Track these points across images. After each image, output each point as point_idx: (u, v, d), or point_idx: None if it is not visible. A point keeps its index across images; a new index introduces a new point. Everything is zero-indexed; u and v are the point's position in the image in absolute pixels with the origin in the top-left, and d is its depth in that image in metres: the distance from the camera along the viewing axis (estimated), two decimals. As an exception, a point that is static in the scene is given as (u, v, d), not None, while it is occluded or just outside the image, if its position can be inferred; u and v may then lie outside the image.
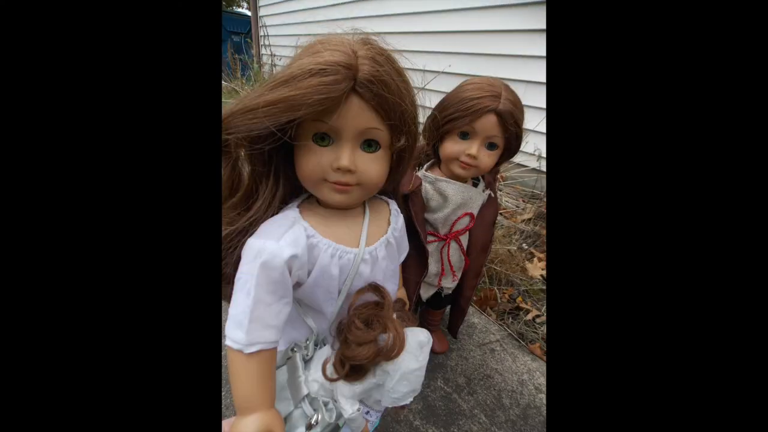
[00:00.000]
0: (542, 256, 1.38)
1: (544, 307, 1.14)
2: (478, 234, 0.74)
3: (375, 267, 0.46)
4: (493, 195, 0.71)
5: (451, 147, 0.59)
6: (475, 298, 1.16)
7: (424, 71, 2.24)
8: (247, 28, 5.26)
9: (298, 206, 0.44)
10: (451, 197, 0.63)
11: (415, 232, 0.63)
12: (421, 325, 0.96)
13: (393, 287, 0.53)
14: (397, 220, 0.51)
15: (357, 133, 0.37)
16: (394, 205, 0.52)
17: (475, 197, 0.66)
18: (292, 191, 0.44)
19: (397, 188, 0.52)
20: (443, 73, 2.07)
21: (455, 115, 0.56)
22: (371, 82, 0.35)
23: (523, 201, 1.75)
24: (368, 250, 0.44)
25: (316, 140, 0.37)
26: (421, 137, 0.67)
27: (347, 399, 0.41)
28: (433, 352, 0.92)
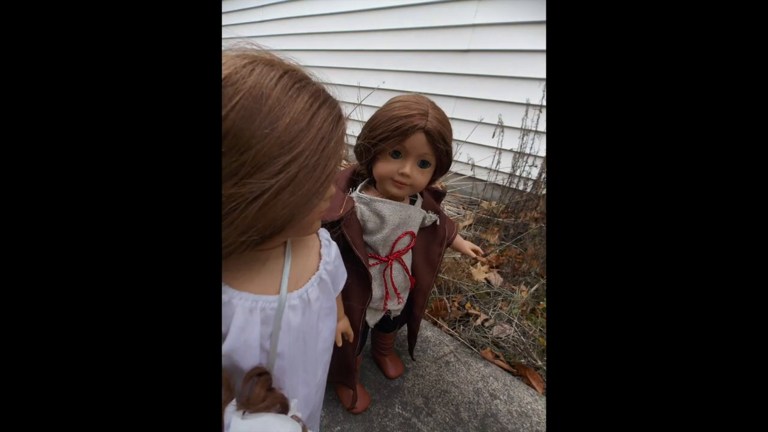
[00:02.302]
0: (485, 260, 1.44)
1: (491, 310, 1.19)
2: (425, 252, 0.73)
3: (307, 311, 0.41)
4: (439, 222, 0.71)
5: (384, 166, 0.58)
6: (426, 310, 1.16)
7: (360, 87, 2.27)
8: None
9: None
10: (388, 217, 0.61)
11: (355, 257, 0.59)
12: (374, 349, 0.93)
13: (331, 325, 0.48)
14: (330, 251, 0.46)
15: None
16: (325, 234, 0.48)
17: (414, 215, 0.65)
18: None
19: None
20: (378, 89, 2.12)
21: (385, 134, 0.55)
22: None
23: (463, 208, 1.84)
24: (297, 294, 0.39)
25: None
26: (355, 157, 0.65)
27: None
28: (388, 377, 0.90)
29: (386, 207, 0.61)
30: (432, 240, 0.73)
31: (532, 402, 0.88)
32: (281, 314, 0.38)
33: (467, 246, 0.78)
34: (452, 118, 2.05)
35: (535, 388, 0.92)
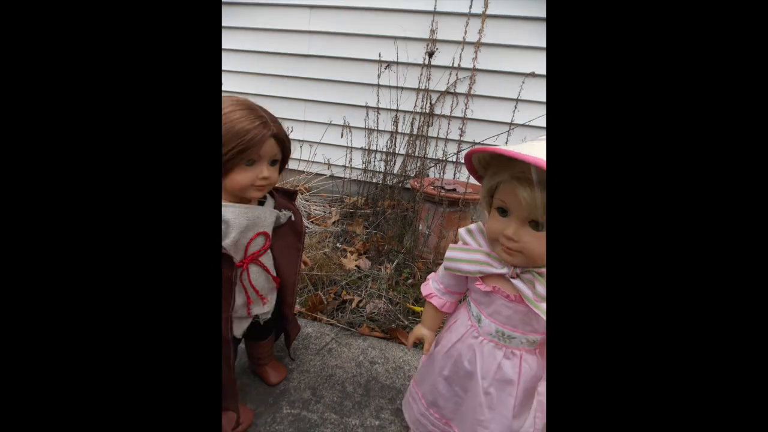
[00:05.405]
0: (353, 249, 1.58)
1: (364, 291, 1.32)
2: (285, 249, 0.75)
3: None
4: (294, 217, 0.74)
5: (243, 177, 0.58)
6: (304, 309, 1.19)
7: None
8: None
9: None
10: (232, 221, 0.60)
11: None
12: (251, 362, 0.89)
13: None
14: None
15: None
16: None
17: (264, 216, 0.66)
18: None
19: None
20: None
21: (239, 148, 0.55)
22: None
23: (329, 206, 1.94)
24: None
25: None
26: None
27: None
28: (271, 385, 0.88)
29: (228, 211, 0.60)
30: (291, 236, 0.76)
31: (404, 356, 1.05)
32: None
33: None
34: (305, 121, 2.08)
35: (404, 344, 1.10)
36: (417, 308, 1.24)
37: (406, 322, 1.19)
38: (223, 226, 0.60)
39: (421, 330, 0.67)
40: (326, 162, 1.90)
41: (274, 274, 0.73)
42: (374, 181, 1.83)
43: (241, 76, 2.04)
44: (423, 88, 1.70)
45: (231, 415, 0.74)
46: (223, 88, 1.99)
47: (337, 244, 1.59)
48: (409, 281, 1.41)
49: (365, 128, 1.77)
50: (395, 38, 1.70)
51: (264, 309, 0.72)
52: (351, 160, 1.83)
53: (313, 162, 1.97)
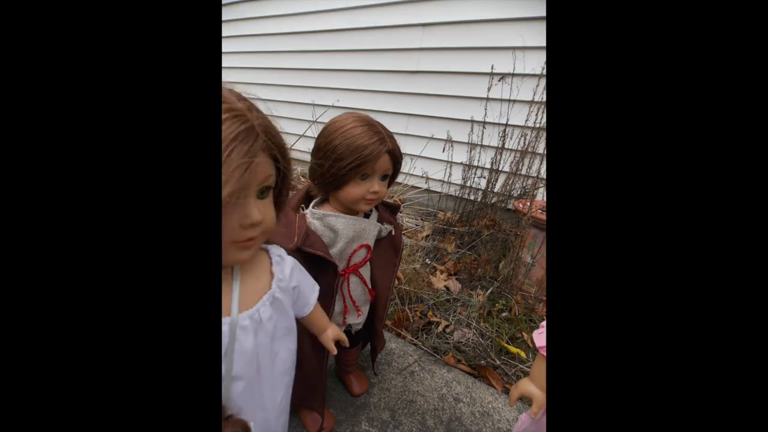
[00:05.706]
0: (443, 268, 1.50)
1: (451, 316, 1.23)
2: (383, 263, 0.74)
3: (260, 332, 0.40)
4: (394, 232, 0.73)
5: (356, 190, 0.60)
6: (389, 322, 1.17)
7: (314, 105, 2.29)
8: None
9: None
10: (341, 231, 0.62)
11: (317, 270, 0.59)
12: (338, 367, 0.91)
13: (290, 345, 0.47)
14: (283, 268, 0.46)
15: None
16: (276, 251, 0.47)
17: (369, 228, 0.67)
18: None
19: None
20: (332, 107, 2.15)
21: (356, 162, 0.57)
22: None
23: (422, 219, 1.91)
24: (247, 315, 0.38)
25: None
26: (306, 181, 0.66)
27: None
28: (354, 395, 0.88)
29: (339, 221, 0.62)
30: (389, 251, 0.75)
31: (493, 401, 0.92)
32: (234, 335, 0.36)
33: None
34: (406, 134, 2.12)
35: (495, 387, 0.97)
36: (513, 349, 1.09)
37: (498, 362, 1.05)
38: (332, 235, 0.63)
39: (528, 387, 0.56)
40: (423, 175, 1.89)
41: (370, 286, 0.73)
42: (472, 197, 1.72)
43: (359, 93, 2.22)
44: (538, 100, 1.52)
45: (316, 417, 0.76)
46: (345, 104, 2.20)
47: (427, 260, 1.54)
48: (504, 314, 1.25)
49: (468, 143, 1.69)
50: (513, 48, 1.58)
51: (357, 320, 0.72)
52: (450, 175, 1.77)
53: (410, 174, 1.99)
